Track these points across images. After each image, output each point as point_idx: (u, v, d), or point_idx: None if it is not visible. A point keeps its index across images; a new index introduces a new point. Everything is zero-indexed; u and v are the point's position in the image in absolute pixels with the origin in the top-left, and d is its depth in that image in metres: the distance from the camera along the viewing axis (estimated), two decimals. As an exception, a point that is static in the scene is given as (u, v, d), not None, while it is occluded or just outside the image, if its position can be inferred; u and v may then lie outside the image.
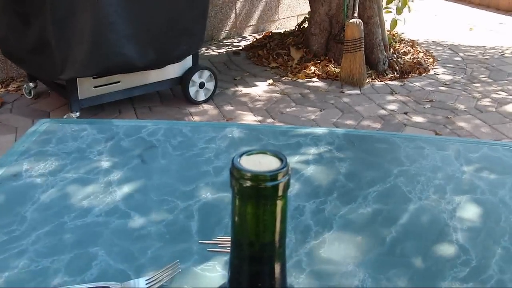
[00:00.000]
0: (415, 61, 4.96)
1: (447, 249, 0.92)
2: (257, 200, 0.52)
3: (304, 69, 4.71)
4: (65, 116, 3.55)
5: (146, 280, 0.82)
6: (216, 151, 1.22)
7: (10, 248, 0.90)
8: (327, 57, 4.86)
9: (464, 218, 1.00)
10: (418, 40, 5.65)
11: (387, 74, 4.70)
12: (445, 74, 4.84)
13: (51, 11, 3.12)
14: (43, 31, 3.24)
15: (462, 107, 4.13)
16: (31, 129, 1.31)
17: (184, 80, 3.93)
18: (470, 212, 1.03)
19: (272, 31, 5.76)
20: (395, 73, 4.72)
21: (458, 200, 1.06)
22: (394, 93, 4.36)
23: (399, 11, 4.93)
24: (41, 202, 1.02)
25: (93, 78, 3.52)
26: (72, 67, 3.28)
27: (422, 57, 5.13)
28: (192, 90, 3.98)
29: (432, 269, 0.88)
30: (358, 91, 4.38)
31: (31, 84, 3.98)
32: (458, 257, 0.90)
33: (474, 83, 4.64)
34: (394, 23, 5.00)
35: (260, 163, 0.52)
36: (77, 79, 3.45)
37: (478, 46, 5.67)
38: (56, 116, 3.71)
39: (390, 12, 5.00)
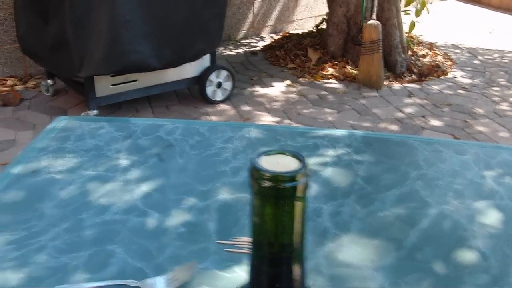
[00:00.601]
0: (433, 63, 4.93)
1: (466, 255, 0.92)
2: (276, 200, 0.52)
3: (322, 70, 4.71)
4: (82, 114, 3.57)
5: (164, 278, 0.83)
6: (233, 151, 1.22)
7: (30, 244, 0.90)
8: (344, 59, 4.85)
9: (483, 224, 1.00)
10: (436, 42, 5.62)
11: (405, 77, 4.67)
12: (463, 77, 4.81)
13: (70, 9, 3.14)
14: (62, 29, 3.26)
15: (480, 111, 4.10)
16: (49, 126, 1.32)
17: (201, 79, 3.94)
18: (489, 217, 1.02)
19: (290, 32, 5.75)
20: (413, 76, 4.70)
21: (477, 206, 1.05)
22: (411, 96, 4.34)
23: (417, 13, 4.90)
24: (60, 198, 1.03)
25: (111, 76, 3.54)
26: (90, 65, 3.30)
27: (441, 60, 5.10)
28: (210, 89, 3.98)
29: (451, 275, 0.87)
30: (375, 93, 4.36)
31: (49, 81, 4.01)
32: (477, 264, 0.90)
33: (493, 87, 4.60)
34: (412, 25, 4.97)
35: (278, 163, 0.52)
36: (95, 77, 3.47)
37: (497, 50, 5.63)
38: (73, 114, 3.73)
39: (409, 14, 4.97)
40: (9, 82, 4.23)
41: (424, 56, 5.08)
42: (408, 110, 4.08)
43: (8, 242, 0.91)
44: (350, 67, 4.72)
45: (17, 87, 4.17)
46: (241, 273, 0.85)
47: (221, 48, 5.24)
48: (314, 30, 5.41)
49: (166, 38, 3.49)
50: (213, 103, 4.03)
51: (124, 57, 3.35)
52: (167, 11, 3.44)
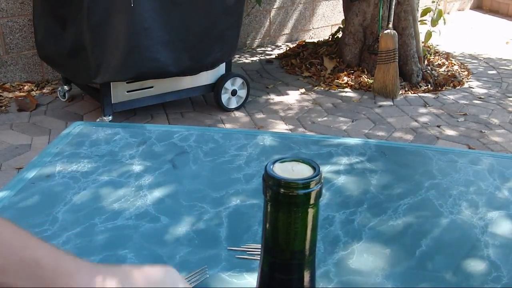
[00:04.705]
0: (449, 73, 4.91)
1: (478, 265, 0.91)
2: (288, 207, 0.52)
3: (337, 79, 4.70)
4: (98, 120, 3.59)
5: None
6: (247, 159, 1.22)
7: (42, 248, 0.91)
8: (360, 68, 4.84)
9: (496, 234, 0.99)
10: (453, 52, 5.60)
11: (420, 86, 4.65)
12: (479, 87, 4.78)
13: (88, 15, 3.16)
14: (79, 35, 3.29)
15: (496, 121, 4.08)
16: (65, 131, 1.33)
17: (216, 87, 3.95)
18: (502, 228, 1.01)
19: (306, 41, 5.75)
20: (429, 86, 4.68)
21: (490, 216, 1.04)
22: (427, 105, 4.33)
23: (434, 23, 4.89)
24: (72, 203, 1.04)
25: (127, 82, 3.56)
26: (106, 71, 3.31)
27: (457, 70, 5.07)
28: (224, 97, 3.99)
29: (462, 284, 0.86)
30: (390, 103, 4.35)
31: (65, 87, 4.04)
32: (489, 274, 0.89)
33: (509, 97, 4.57)
34: (428, 35, 4.96)
35: (293, 170, 0.52)
36: (111, 83, 3.49)
37: (514, 60, 5.60)
38: (89, 119, 3.75)
39: (425, 24, 4.96)
40: (26, 88, 4.27)
41: (440, 66, 5.06)
42: (423, 119, 4.06)
43: (21, 245, 0.91)
44: (365, 76, 4.71)
45: (33, 93, 4.21)
46: (251, 279, 0.85)
47: (237, 56, 5.25)
48: (330, 39, 5.41)
49: (183, 46, 3.50)
50: (227, 110, 4.04)
51: (141, 64, 3.37)
52: (185, 19, 3.45)
